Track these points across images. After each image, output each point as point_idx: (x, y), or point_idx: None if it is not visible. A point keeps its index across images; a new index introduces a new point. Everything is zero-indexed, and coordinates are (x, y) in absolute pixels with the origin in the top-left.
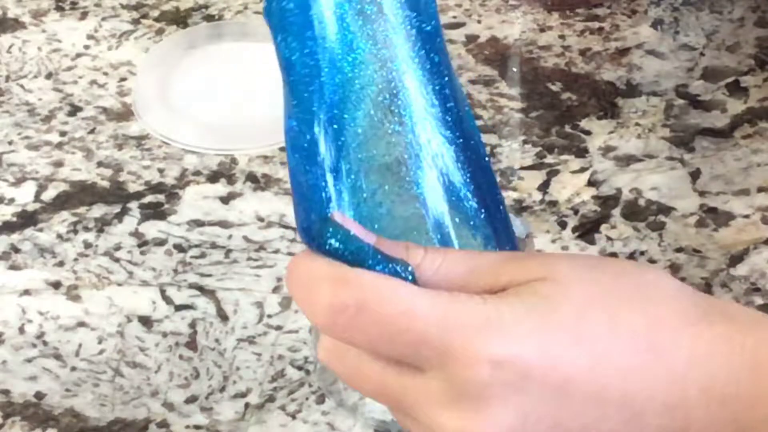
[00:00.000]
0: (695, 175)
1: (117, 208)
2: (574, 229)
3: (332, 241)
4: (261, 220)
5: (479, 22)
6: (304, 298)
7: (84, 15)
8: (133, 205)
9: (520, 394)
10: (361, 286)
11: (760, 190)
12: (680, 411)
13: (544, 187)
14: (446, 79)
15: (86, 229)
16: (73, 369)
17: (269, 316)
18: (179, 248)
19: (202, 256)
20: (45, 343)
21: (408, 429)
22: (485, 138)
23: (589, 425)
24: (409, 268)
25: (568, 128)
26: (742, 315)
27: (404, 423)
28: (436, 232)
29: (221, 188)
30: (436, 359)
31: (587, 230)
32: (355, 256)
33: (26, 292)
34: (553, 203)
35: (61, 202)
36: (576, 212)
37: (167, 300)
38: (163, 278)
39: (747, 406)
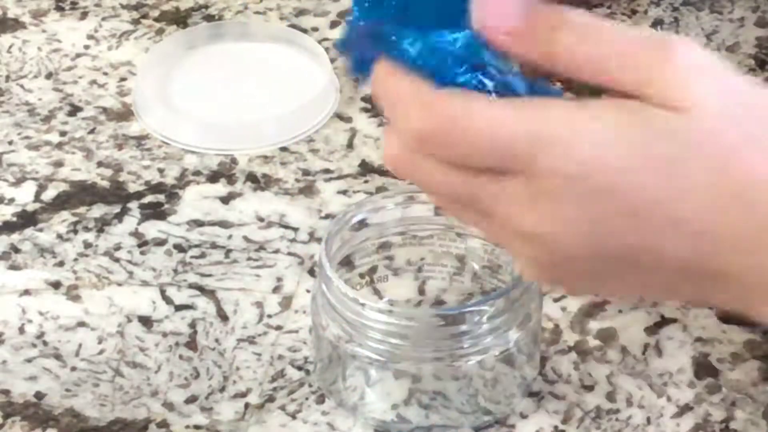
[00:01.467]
0: None
1: (117, 208)
2: None
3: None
4: (261, 220)
5: None
6: (392, 118)
7: (84, 15)
8: (133, 205)
9: (593, 204)
10: (448, 107)
11: None
12: (757, 256)
13: None
14: None
15: (86, 229)
16: (73, 369)
17: (269, 316)
18: (179, 248)
19: (202, 256)
20: (45, 343)
21: (475, 226)
22: None
23: (657, 243)
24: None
25: None
26: None
27: (472, 220)
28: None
29: (221, 188)
30: (520, 167)
31: None
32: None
33: (26, 292)
34: None
35: (61, 202)
36: None
37: (167, 300)
38: (163, 278)
39: None
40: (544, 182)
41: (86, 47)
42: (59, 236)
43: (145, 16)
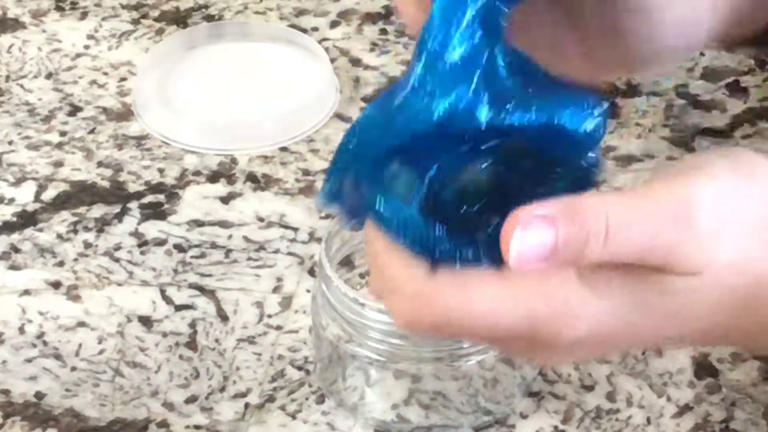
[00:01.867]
0: None
1: (117, 208)
2: None
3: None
4: (261, 220)
5: None
6: (386, 300)
7: (84, 15)
8: (133, 205)
9: (598, 349)
10: (442, 302)
11: None
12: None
13: None
14: None
15: (86, 229)
16: (73, 369)
17: (269, 316)
18: (179, 248)
19: (202, 256)
20: (45, 343)
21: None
22: None
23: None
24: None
25: None
26: None
27: None
28: None
29: (221, 188)
30: (523, 344)
31: None
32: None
33: (26, 292)
34: None
35: (61, 202)
36: None
37: (167, 300)
38: (163, 278)
39: None
40: (547, 348)
41: (86, 47)
42: (59, 236)
43: (145, 16)
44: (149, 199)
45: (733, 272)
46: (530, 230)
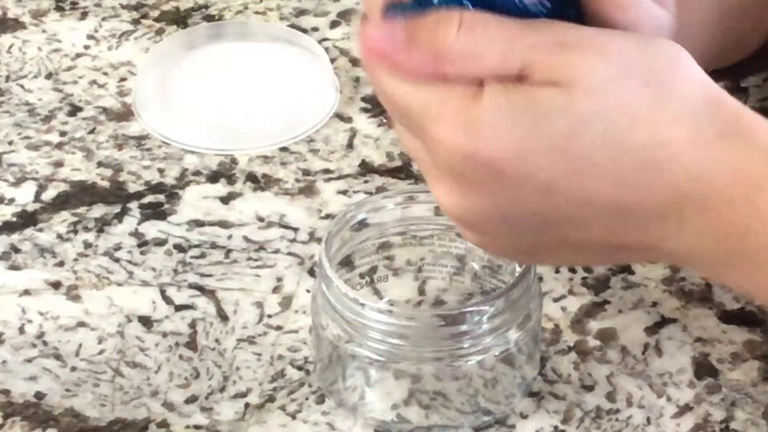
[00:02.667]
0: None
1: (117, 208)
2: None
3: None
4: (261, 220)
5: None
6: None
7: (84, 15)
8: (133, 205)
9: (493, 187)
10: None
11: None
12: (673, 223)
13: None
14: None
15: (86, 229)
16: (73, 369)
17: (269, 316)
18: (179, 248)
19: (202, 256)
20: (45, 343)
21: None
22: None
23: (575, 227)
24: None
25: None
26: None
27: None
28: None
29: (221, 188)
30: (419, 133)
31: None
32: None
33: (26, 292)
34: None
35: (61, 202)
36: None
37: (167, 300)
38: (163, 278)
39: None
40: (444, 157)
41: (86, 47)
42: (59, 236)
43: (145, 16)
44: (149, 199)
45: (611, 100)
46: (379, 25)
